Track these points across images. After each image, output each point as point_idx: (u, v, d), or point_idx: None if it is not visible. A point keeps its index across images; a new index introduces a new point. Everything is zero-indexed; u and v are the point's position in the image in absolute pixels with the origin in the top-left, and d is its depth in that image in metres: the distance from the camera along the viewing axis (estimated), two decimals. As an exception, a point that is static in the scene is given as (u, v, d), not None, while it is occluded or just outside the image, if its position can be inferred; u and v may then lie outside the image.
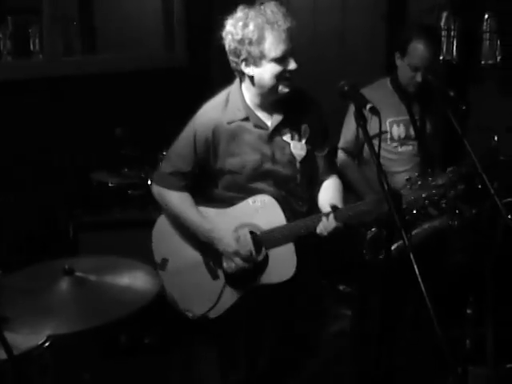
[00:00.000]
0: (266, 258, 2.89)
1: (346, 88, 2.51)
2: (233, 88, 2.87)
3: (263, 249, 2.88)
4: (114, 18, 4.97)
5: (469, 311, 3.41)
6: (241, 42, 2.64)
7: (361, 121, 2.53)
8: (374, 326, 3.50)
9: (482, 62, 4.17)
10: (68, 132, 4.38)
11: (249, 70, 2.71)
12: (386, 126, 3.60)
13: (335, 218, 2.76)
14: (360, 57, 5.25)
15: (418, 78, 3.51)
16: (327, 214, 2.79)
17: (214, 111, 2.84)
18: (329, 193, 2.98)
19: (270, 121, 2.84)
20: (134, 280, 2.45)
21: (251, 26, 2.61)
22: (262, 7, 2.64)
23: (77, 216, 4.11)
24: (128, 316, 2.23)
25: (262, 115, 2.84)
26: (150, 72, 4.81)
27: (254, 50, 2.63)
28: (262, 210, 2.86)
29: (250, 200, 2.88)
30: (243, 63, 2.69)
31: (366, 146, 3.71)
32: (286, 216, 2.86)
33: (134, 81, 4.66)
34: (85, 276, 2.40)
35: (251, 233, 2.90)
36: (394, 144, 3.65)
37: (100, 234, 4.02)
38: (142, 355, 3.96)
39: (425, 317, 2.09)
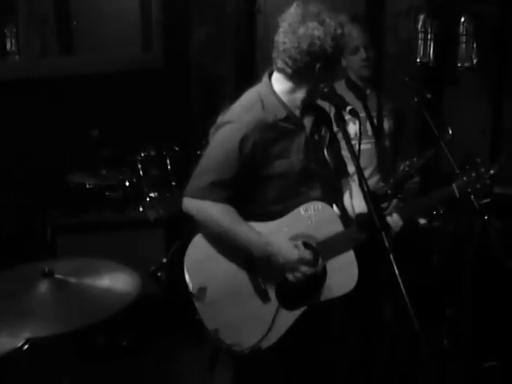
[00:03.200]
0: (324, 271, 2.59)
1: (325, 90, 2.53)
2: (262, 89, 2.63)
3: (320, 261, 2.58)
4: (91, 18, 4.94)
5: (448, 311, 3.44)
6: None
7: (340, 122, 2.55)
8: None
9: (459, 65, 4.19)
10: (45, 133, 4.35)
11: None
12: None
13: (401, 214, 2.56)
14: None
15: (363, 54, 3.59)
16: (390, 212, 2.57)
17: (254, 111, 2.56)
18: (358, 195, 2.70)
19: (303, 121, 2.66)
20: (114, 282, 2.44)
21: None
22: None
23: (54, 218, 4.08)
24: (109, 318, 2.23)
25: (298, 114, 2.65)
26: (127, 72, 4.78)
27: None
28: (316, 218, 2.60)
29: (301, 209, 2.61)
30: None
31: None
32: (342, 222, 2.63)
33: (112, 81, 4.63)
34: (64, 278, 2.39)
35: (305, 244, 2.59)
36: (352, 142, 3.67)
37: (78, 236, 3.99)
38: (120, 357, 3.95)
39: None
